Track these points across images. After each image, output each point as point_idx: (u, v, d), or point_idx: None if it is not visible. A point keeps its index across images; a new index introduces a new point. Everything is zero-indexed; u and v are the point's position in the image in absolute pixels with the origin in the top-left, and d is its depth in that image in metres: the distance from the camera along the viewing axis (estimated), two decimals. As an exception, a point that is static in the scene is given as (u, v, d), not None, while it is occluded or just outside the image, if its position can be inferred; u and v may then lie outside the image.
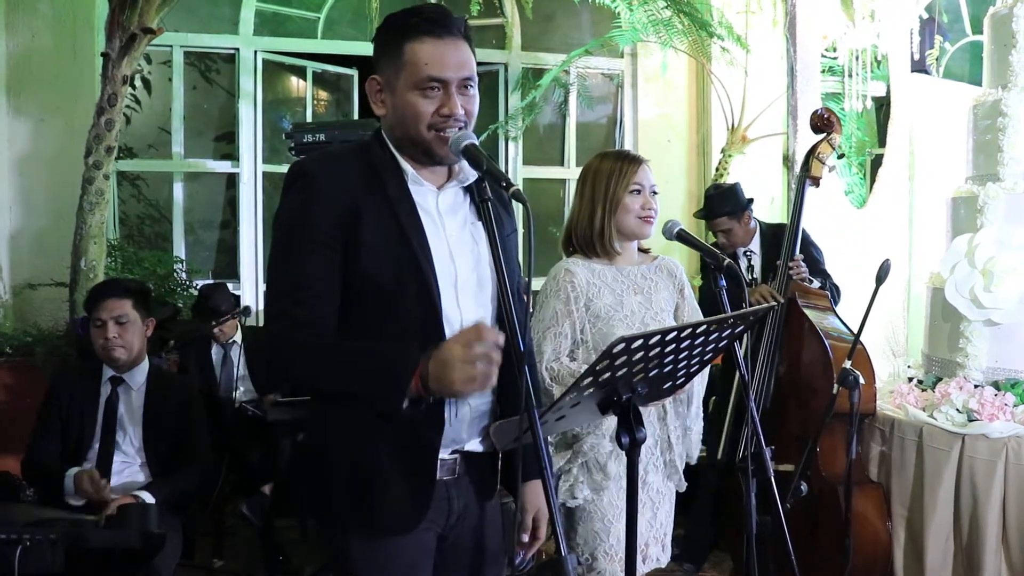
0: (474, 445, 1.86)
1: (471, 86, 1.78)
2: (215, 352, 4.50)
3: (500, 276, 1.72)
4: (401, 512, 1.76)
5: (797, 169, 4.21)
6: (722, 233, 4.03)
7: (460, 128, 1.75)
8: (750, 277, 3.94)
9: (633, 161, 2.53)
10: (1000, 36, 3.73)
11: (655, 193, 2.54)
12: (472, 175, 1.82)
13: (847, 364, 3.10)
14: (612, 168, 2.51)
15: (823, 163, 3.71)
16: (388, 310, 1.74)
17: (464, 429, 1.83)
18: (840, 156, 3.83)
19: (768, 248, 3.92)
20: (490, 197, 1.74)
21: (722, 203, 4.03)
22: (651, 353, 1.67)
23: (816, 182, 3.73)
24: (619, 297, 2.48)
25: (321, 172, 1.76)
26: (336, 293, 1.74)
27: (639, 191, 2.49)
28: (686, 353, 1.78)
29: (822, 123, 3.77)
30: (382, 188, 1.76)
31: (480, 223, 1.84)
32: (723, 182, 4.23)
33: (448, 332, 1.76)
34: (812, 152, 3.74)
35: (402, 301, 1.74)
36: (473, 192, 1.85)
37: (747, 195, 4.10)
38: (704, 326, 1.73)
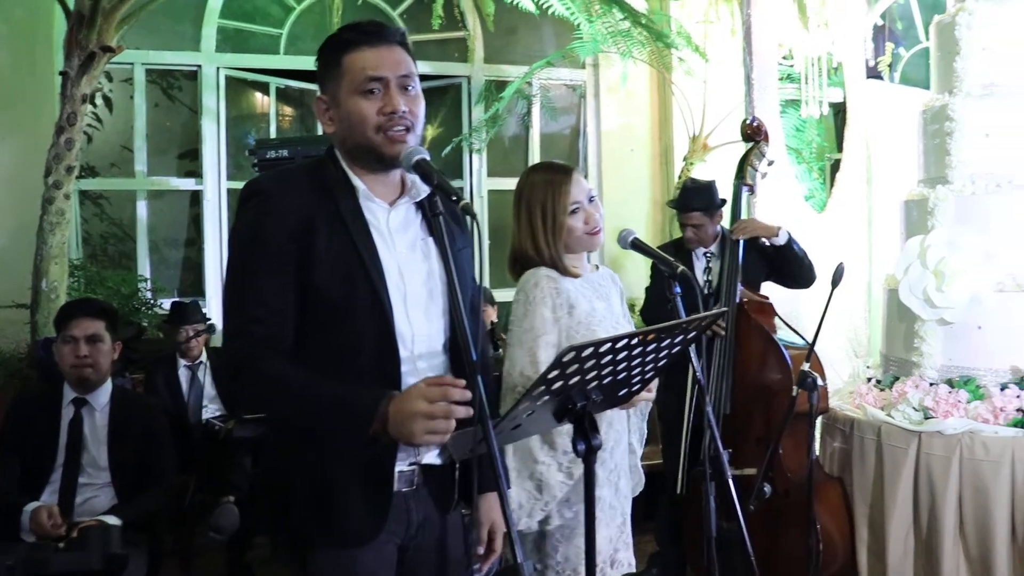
0: (432, 458, 1.88)
1: (412, 86, 1.83)
2: (183, 373, 4.48)
3: (452, 290, 1.75)
4: (360, 522, 1.78)
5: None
6: (692, 228, 3.97)
7: (407, 128, 1.79)
8: (705, 278, 3.93)
9: (563, 174, 2.42)
10: (945, 43, 3.82)
11: (593, 199, 2.44)
12: (424, 190, 1.85)
13: (805, 367, 3.16)
14: (544, 189, 2.40)
15: (756, 170, 3.81)
16: (342, 325, 1.77)
17: None
18: (771, 163, 3.90)
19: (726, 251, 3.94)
20: (442, 211, 1.76)
21: (697, 198, 3.98)
22: (603, 361, 1.70)
23: (751, 189, 3.83)
24: (591, 303, 2.44)
25: (275, 189, 1.79)
26: (293, 308, 1.77)
27: (578, 208, 2.40)
28: (639, 360, 1.81)
29: (752, 131, 3.87)
30: (335, 205, 1.79)
31: (431, 238, 1.88)
32: (700, 179, 4.24)
33: (400, 347, 1.80)
34: (745, 160, 3.83)
35: (355, 317, 1.77)
36: (425, 207, 1.88)
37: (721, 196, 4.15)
38: (656, 333, 1.77)
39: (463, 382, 1.65)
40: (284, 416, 1.80)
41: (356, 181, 1.83)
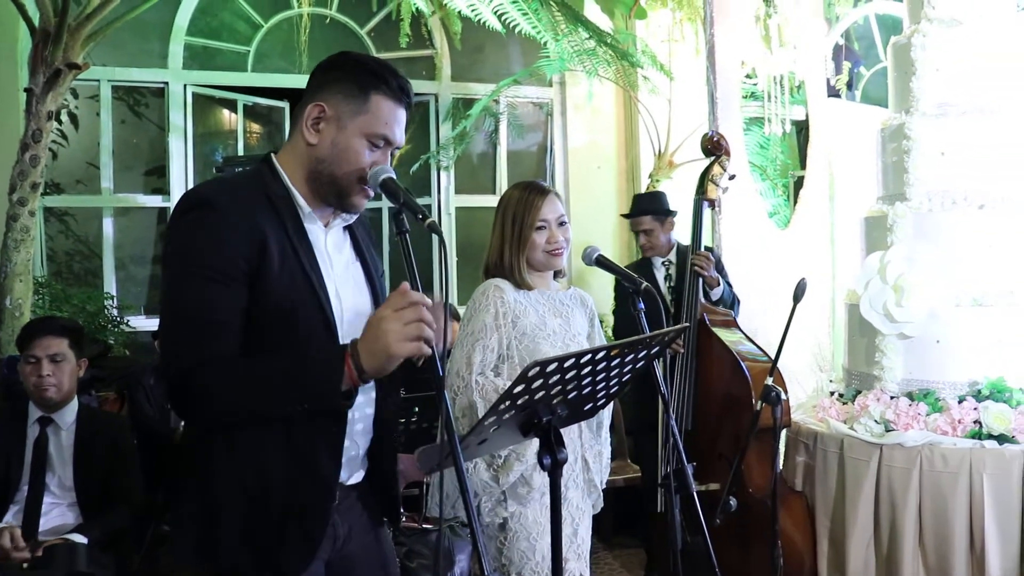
0: (357, 478, 1.91)
1: (395, 152, 1.88)
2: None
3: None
4: (296, 554, 1.76)
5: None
6: (644, 233, 4.25)
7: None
8: (668, 285, 4.10)
9: (538, 193, 2.58)
10: (901, 64, 3.91)
11: (563, 224, 2.58)
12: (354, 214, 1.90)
13: (768, 381, 3.20)
14: (518, 203, 2.57)
15: (717, 185, 3.88)
16: (289, 346, 1.74)
17: (354, 464, 1.88)
18: (732, 177, 3.97)
19: (682, 263, 4.08)
20: (407, 229, 1.74)
21: (648, 203, 4.31)
22: (567, 376, 1.72)
23: (712, 204, 3.92)
24: (542, 317, 2.55)
25: (224, 202, 1.72)
26: (240, 323, 1.71)
27: (544, 226, 2.55)
28: (604, 375, 1.84)
29: (712, 146, 3.93)
30: (283, 226, 1.76)
31: (359, 263, 1.93)
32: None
33: None
34: (706, 175, 3.90)
35: (305, 341, 1.74)
36: (353, 230, 1.93)
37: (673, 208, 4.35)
38: (619, 348, 1.80)
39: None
40: (243, 401, 1.67)
41: (300, 200, 1.81)
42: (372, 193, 1.82)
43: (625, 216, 4.49)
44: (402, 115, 1.84)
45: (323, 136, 1.79)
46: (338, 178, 1.79)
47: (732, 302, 4.04)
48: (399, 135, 1.83)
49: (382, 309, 1.64)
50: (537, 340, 2.50)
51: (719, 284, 3.91)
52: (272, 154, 1.86)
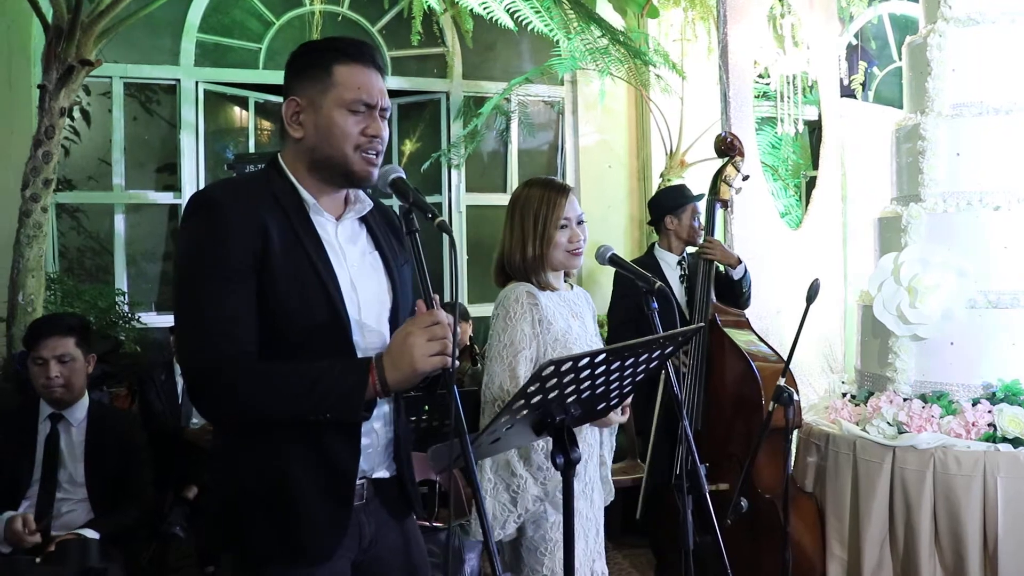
0: (381, 472, 1.90)
1: (385, 116, 1.87)
2: (179, 382, 4.47)
3: (427, 303, 1.74)
4: (321, 537, 1.77)
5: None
6: (697, 216, 4.11)
7: (378, 152, 1.83)
8: (684, 286, 4.04)
9: (560, 192, 2.51)
10: (917, 64, 3.88)
11: (581, 223, 2.53)
12: (368, 205, 1.90)
13: (781, 381, 3.18)
14: (540, 201, 2.49)
15: (730, 185, 3.86)
16: (299, 341, 1.75)
17: (375, 457, 1.88)
18: (745, 178, 3.94)
19: (693, 265, 4.04)
20: (416, 228, 1.74)
21: (689, 191, 4.22)
22: (582, 375, 1.71)
23: (725, 204, 3.90)
24: (567, 321, 2.50)
25: (228, 202, 1.75)
26: (255, 316, 1.73)
27: (567, 225, 2.49)
28: (617, 374, 1.83)
29: (726, 147, 3.90)
30: (287, 219, 1.78)
31: (377, 252, 1.92)
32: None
33: None
34: (719, 175, 3.88)
35: (312, 331, 1.76)
36: (368, 222, 1.92)
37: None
38: (632, 348, 1.79)
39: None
40: (265, 404, 1.70)
41: (305, 195, 1.83)
42: (372, 159, 1.81)
43: (682, 203, 4.16)
44: (371, 75, 1.83)
45: (306, 127, 1.82)
46: (334, 156, 1.81)
47: (749, 287, 3.98)
48: (376, 96, 1.82)
49: (408, 325, 1.69)
50: (568, 345, 2.43)
51: (735, 265, 3.85)
52: (279, 154, 1.89)
